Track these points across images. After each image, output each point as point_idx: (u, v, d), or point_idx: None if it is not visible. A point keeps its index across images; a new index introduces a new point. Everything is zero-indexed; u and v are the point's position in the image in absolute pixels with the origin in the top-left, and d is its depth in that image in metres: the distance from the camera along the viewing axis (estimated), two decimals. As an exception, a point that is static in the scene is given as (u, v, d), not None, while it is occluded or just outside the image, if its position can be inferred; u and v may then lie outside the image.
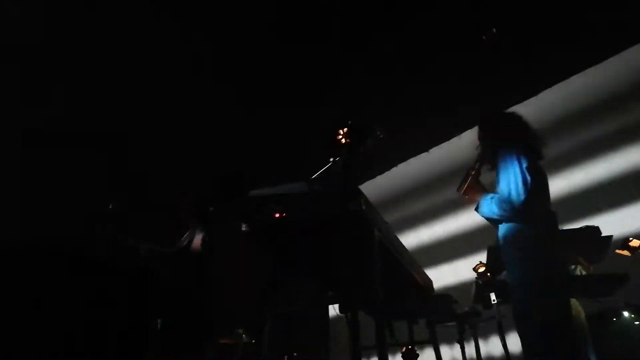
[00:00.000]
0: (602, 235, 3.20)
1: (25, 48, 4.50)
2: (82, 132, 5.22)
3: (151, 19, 4.54)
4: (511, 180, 2.61)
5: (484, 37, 4.81)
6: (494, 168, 2.89)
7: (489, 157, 2.93)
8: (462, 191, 2.96)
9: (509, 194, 2.60)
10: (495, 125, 3.01)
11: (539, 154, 2.85)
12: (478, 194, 2.90)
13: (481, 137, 3.07)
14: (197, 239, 3.48)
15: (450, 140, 6.35)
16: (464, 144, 5.84)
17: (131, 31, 4.63)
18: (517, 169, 2.62)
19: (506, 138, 2.85)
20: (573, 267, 3.43)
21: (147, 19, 4.53)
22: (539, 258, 2.51)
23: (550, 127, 4.98)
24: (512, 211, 2.58)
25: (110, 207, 4.20)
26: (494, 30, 4.77)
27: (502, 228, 2.72)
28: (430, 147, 6.67)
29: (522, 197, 2.54)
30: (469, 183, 2.95)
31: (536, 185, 2.59)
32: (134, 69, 5.01)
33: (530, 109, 5.21)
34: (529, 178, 2.57)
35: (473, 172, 2.96)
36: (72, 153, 5.18)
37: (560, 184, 4.84)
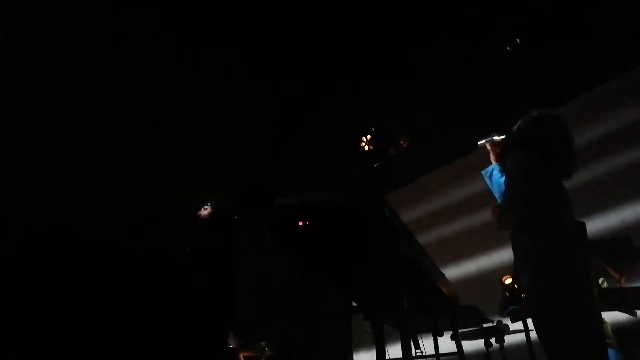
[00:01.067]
0: (633, 245, 3.11)
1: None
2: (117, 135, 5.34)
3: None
4: (507, 186, 2.60)
5: (508, 48, 4.78)
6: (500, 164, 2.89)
7: (500, 153, 2.93)
8: (480, 143, 3.06)
9: (505, 199, 2.58)
10: (522, 126, 2.96)
11: (562, 167, 2.76)
12: (493, 155, 2.98)
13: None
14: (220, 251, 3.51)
15: (475, 152, 6.27)
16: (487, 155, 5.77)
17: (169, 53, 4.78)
18: (515, 176, 2.59)
19: (519, 141, 2.80)
20: (601, 280, 3.34)
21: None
22: (552, 268, 2.44)
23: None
24: (513, 214, 2.56)
25: None
26: (518, 40, 4.74)
27: (513, 238, 2.67)
28: (454, 159, 6.61)
29: (515, 205, 2.51)
30: (492, 143, 3.01)
31: (541, 195, 2.53)
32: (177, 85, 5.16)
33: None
34: (526, 187, 2.53)
35: (499, 140, 2.97)
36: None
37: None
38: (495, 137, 3.01)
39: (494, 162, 3.02)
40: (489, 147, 3.03)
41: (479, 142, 3.07)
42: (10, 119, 4.66)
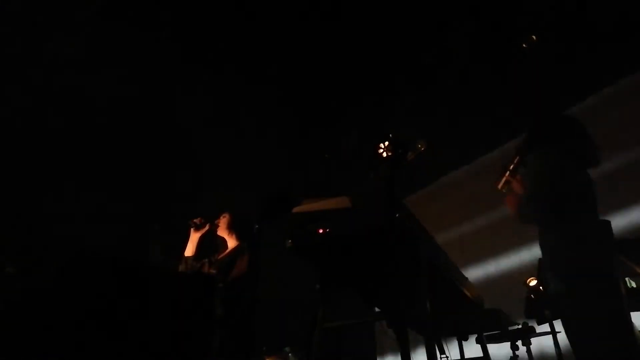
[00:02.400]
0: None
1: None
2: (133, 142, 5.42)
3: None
4: (539, 180, 2.54)
5: (524, 45, 4.72)
6: (525, 165, 2.84)
7: (524, 153, 2.87)
8: (500, 186, 2.90)
9: (537, 194, 2.52)
10: (539, 124, 2.92)
11: (587, 160, 2.73)
12: (516, 189, 2.86)
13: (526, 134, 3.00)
14: (243, 258, 3.52)
15: (494, 152, 6.21)
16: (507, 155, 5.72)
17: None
18: (548, 170, 2.54)
19: (545, 136, 2.76)
20: (628, 279, 3.26)
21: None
22: (583, 267, 2.38)
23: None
24: (539, 213, 2.49)
25: (154, 228, 4.32)
26: (534, 37, 4.68)
27: (540, 238, 2.62)
28: (472, 160, 6.54)
29: (549, 199, 2.45)
30: (506, 177, 2.89)
31: (572, 190, 2.49)
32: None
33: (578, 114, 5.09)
34: (560, 181, 2.48)
35: (511, 167, 2.90)
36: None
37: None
38: (509, 168, 2.92)
39: None
40: (504, 183, 2.92)
41: (498, 186, 2.94)
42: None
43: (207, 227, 3.87)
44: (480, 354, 3.31)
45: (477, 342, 3.44)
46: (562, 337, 3.29)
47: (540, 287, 3.44)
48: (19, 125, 4.78)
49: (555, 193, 2.46)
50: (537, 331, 3.79)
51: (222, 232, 3.87)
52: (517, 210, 2.81)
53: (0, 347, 1.44)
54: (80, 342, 1.46)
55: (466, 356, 3.38)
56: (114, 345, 1.51)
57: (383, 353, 6.55)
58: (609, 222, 2.62)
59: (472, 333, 3.45)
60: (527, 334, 3.81)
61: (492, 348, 3.50)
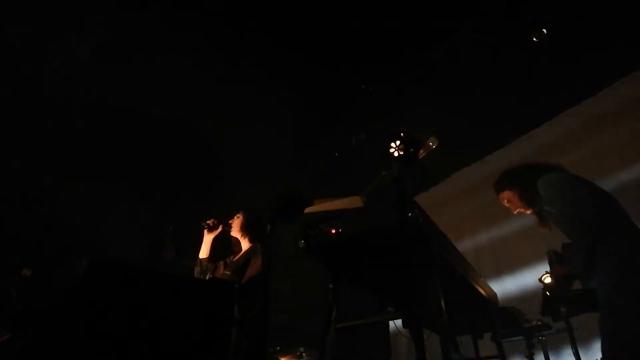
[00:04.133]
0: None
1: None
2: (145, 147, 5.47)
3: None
4: (574, 202, 2.48)
5: (535, 39, 4.70)
6: (535, 208, 2.79)
7: (531, 199, 2.82)
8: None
9: (580, 218, 2.45)
10: (519, 172, 2.92)
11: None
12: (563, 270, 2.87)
13: (510, 192, 3.00)
14: (257, 259, 3.53)
15: (505, 148, 6.15)
16: (518, 151, 5.69)
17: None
18: (575, 189, 2.50)
19: (541, 169, 2.75)
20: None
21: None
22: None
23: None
24: (594, 232, 2.42)
25: (169, 228, 4.35)
26: (545, 31, 4.65)
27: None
28: (485, 156, 6.49)
29: (598, 212, 2.40)
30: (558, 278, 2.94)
31: (604, 199, 2.46)
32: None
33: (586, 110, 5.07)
34: (590, 194, 2.46)
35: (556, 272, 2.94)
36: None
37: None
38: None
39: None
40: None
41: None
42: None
43: (220, 229, 3.88)
44: (495, 352, 3.29)
45: (492, 340, 3.41)
46: (578, 334, 3.27)
47: (556, 285, 3.40)
48: (32, 127, 4.84)
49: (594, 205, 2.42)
50: (553, 329, 3.75)
51: (235, 233, 3.88)
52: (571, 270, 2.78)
53: (17, 347, 1.46)
54: (98, 344, 1.48)
55: (481, 354, 3.36)
56: (133, 348, 1.53)
57: (398, 352, 6.53)
58: None
59: (487, 331, 3.43)
60: (542, 331, 3.77)
61: (507, 346, 3.48)
